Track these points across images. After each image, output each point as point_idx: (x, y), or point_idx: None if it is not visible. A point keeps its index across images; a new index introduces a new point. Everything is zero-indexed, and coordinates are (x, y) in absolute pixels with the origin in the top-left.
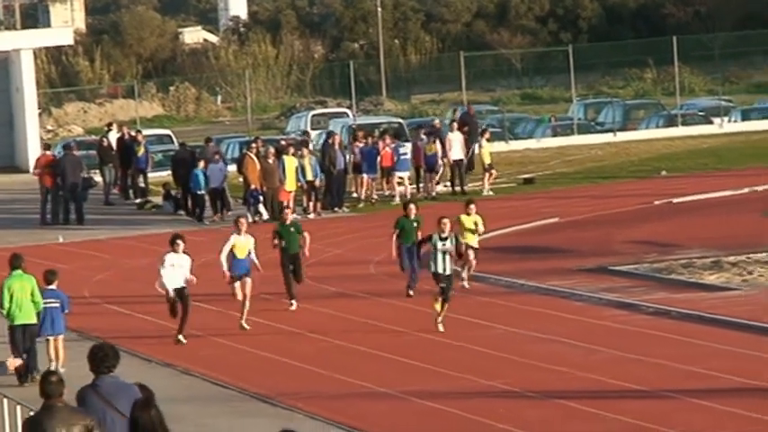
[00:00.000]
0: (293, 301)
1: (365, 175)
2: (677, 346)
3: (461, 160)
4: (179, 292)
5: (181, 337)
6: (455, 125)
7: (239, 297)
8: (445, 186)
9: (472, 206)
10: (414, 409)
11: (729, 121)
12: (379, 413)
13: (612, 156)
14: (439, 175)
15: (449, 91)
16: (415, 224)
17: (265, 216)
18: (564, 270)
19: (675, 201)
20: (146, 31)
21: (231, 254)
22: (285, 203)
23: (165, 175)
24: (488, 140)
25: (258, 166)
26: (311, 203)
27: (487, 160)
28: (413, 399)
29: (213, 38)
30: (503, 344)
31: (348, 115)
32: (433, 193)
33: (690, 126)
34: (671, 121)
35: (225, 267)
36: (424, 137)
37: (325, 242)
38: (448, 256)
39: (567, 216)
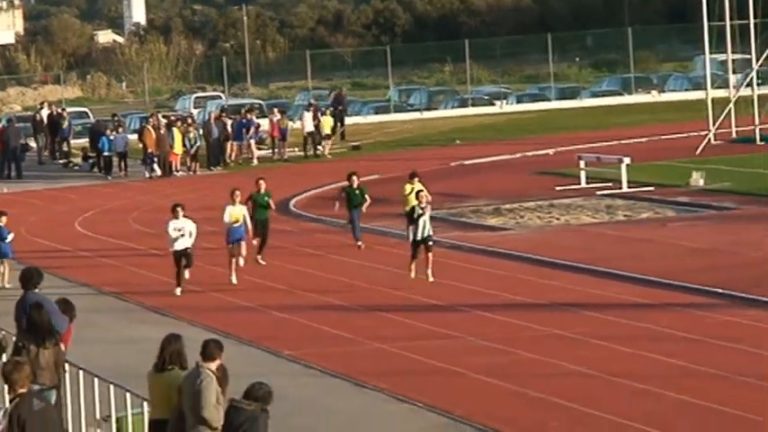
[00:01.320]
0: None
1: (234, 143)
2: (467, 273)
3: (313, 132)
4: (183, 252)
5: (178, 290)
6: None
7: (235, 256)
8: (298, 152)
9: (416, 178)
10: (270, 319)
11: (507, 103)
12: (242, 320)
13: (420, 129)
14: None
15: (298, 80)
16: (357, 192)
17: (158, 173)
18: (383, 214)
19: (466, 163)
20: (69, 33)
21: (228, 222)
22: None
23: (83, 142)
24: (330, 116)
25: (154, 135)
26: (193, 164)
27: (327, 131)
28: (270, 311)
29: (120, 38)
30: (338, 269)
31: (221, 98)
32: (285, 157)
33: (478, 107)
34: (463, 104)
35: (249, 226)
36: (277, 113)
37: (202, 193)
38: (427, 222)
39: (385, 173)
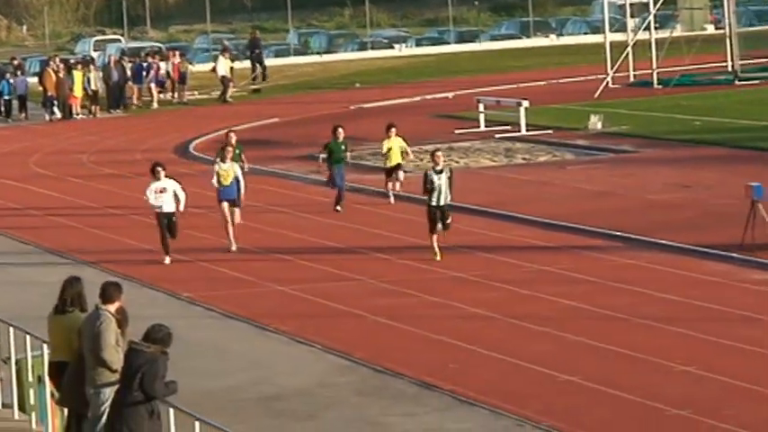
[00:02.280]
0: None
1: (134, 86)
2: (367, 215)
3: (225, 76)
4: (168, 216)
5: (167, 258)
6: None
7: (227, 219)
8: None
9: (393, 129)
10: (193, 267)
11: (407, 47)
12: (141, 263)
13: (320, 72)
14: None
15: (197, 24)
16: (342, 147)
17: (58, 116)
18: (282, 157)
19: (366, 106)
20: None
21: (217, 181)
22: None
23: None
24: (230, 59)
25: (54, 79)
26: (94, 107)
27: (228, 74)
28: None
29: None
30: (251, 214)
31: (121, 41)
32: (185, 100)
33: (377, 50)
34: (363, 47)
35: (215, 183)
36: (177, 56)
37: (102, 135)
38: (445, 188)
39: (285, 117)
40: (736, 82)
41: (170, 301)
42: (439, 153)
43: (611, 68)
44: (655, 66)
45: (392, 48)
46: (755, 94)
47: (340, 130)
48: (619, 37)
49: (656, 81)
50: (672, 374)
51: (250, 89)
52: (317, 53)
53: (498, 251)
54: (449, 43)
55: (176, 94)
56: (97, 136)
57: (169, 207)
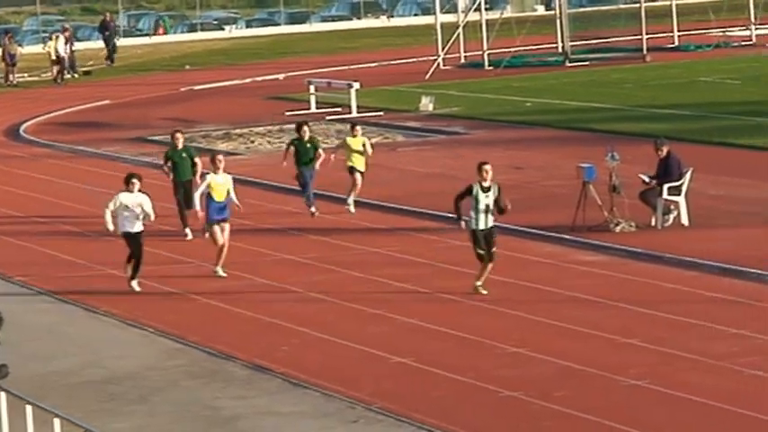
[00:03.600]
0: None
1: None
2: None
3: (61, 57)
4: (135, 236)
5: (134, 283)
6: None
7: (219, 243)
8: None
9: (358, 128)
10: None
11: (236, 28)
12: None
13: (149, 54)
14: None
15: (27, 5)
16: (308, 145)
17: None
18: (113, 139)
19: (196, 88)
20: None
21: (208, 196)
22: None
23: None
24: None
25: None
26: None
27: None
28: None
29: None
30: (69, 195)
31: None
32: (15, 82)
33: (207, 32)
34: (192, 29)
35: (198, 207)
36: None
37: None
38: (490, 209)
39: (115, 99)
40: (567, 63)
41: (2, 285)
42: (487, 167)
43: (442, 50)
44: (485, 47)
45: (222, 29)
46: (586, 75)
47: (305, 128)
48: (449, 18)
49: (486, 62)
50: (504, 356)
51: (81, 71)
52: (147, 35)
53: (329, 233)
54: (279, 24)
55: (3, 76)
56: None
57: (137, 227)
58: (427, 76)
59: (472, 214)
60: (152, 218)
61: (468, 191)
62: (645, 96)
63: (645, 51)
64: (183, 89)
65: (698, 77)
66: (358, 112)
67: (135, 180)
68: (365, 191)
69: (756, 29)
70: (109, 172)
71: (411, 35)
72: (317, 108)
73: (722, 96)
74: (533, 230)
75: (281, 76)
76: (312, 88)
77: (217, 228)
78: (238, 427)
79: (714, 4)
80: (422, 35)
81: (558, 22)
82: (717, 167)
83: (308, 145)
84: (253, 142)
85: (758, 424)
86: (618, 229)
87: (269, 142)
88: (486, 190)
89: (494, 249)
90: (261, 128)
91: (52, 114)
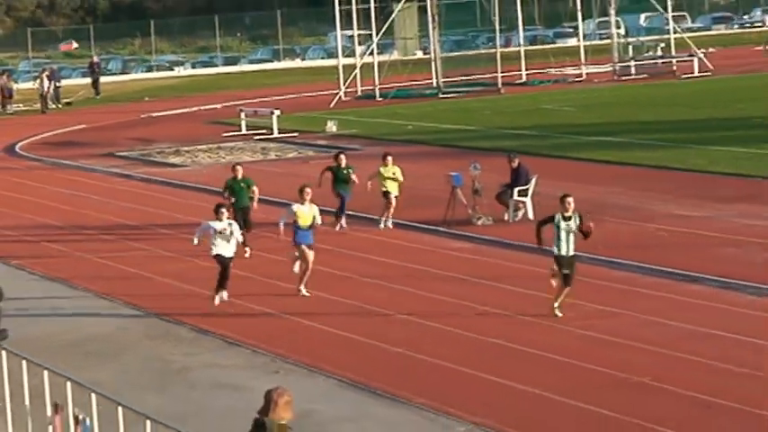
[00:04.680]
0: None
1: None
2: (145, 198)
3: (43, 93)
4: (225, 259)
5: (217, 298)
6: None
7: (297, 268)
8: None
9: (389, 158)
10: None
11: (184, 69)
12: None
13: (118, 89)
14: None
15: (21, 51)
16: (345, 172)
17: None
18: (89, 155)
19: (154, 114)
20: None
21: (294, 224)
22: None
23: None
24: (49, 79)
25: None
26: None
27: (46, 91)
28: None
29: None
30: (65, 199)
31: None
32: (11, 111)
33: (161, 71)
34: (150, 69)
35: (281, 226)
36: (4, 76)
37: None
38: (572, 236)
39: (90, 124)
40: (440, 95)
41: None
42: (570, 199)
43: (344, 85)
44: (377, 82)
45: (173, 69)
46: (454, 104)
47: (341, 156)
48: (349, 60)
49: (378, 94)
50: (393, 322)
51: (63, 102)
52: (114, 74)
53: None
54: (217, 65)
55: (5, 107)
56: None
57: (230, 251)
58: (331, 105)
59: (555, 241)
60: (240, 240)
61: (551, 219)
62: (500, 120)
63: (500, 86)
64: (143, 116)
65: (541, 105)
66: (279, 133)
67: (223, 210)
68: (282, 193)
69: (586, 68)
70: (84, 180)
71: (319, 74)
72: (247, 130)
73: (560, 120)
74: (415, 224)
75: (218, 106)
76: (242, 115)
77: (304, 247)
78: (188, 377)
79: (553, 49)
80: (327, 74)
81: (432, 63)
82: (556, 175)
83: (345, 171)
84: (197, 156)
85: (570, 367)
86: (479, 222)
87: (209, 156)
88: (567, 219)
89: (572, 274)
90: (203, 145)
91: (40, 136)
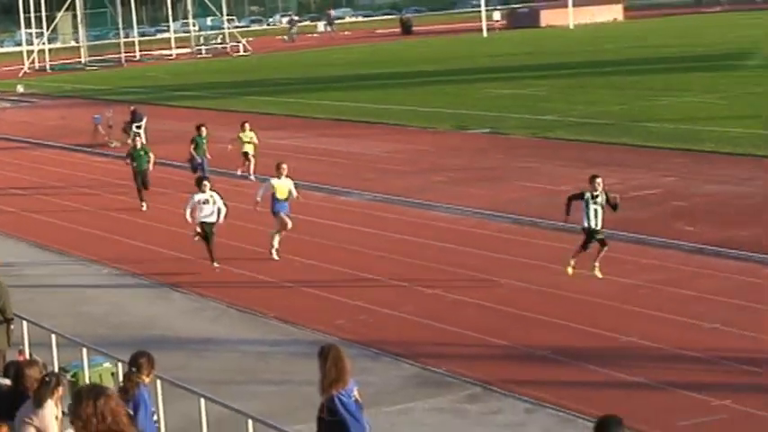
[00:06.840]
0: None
1: None
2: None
3: None
4: (208, 225)
5: (216, 263)
6: None
7: (286, 227)
8: None
9: (247, 125)
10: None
11: None
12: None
13: None
14: None
15: None
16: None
17: None
18: None
19: None
20: None
21: (272, 196)
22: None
23: None
24: None
25: None
26: None
27: None
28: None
29: None
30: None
31: None
32: None
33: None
34: None
35: (259, 198)
36: None
37: None
38: (600, 211)
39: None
40: (86, 68)
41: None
42: (599, 180)
43: (27, 63)
44: (47, 61)
45: None
46: (96, 74)
47: (203, 128)
48: (31, 47)
49: (48, 67)
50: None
51: None
52: None
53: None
54: None
55: None
56: None
57: (211, 218)
58: (20, 75)
59: (584, 217)
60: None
61: (581, 196)
62: (124, 82)
63: (123, 61)
64: None
65: (146, 74)
66: None
67: (206, 182)
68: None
69: (176, 51)
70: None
71: (12, 57)
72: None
73: (159, 83)
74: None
75: None
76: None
77: (283, 215)
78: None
79: (155, 39)
80: (17, 56)
81: (81, 48)
82: (159, 116)
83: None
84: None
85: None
86: (113, 145)
87: None
88: (595, 197)
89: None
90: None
91: None
